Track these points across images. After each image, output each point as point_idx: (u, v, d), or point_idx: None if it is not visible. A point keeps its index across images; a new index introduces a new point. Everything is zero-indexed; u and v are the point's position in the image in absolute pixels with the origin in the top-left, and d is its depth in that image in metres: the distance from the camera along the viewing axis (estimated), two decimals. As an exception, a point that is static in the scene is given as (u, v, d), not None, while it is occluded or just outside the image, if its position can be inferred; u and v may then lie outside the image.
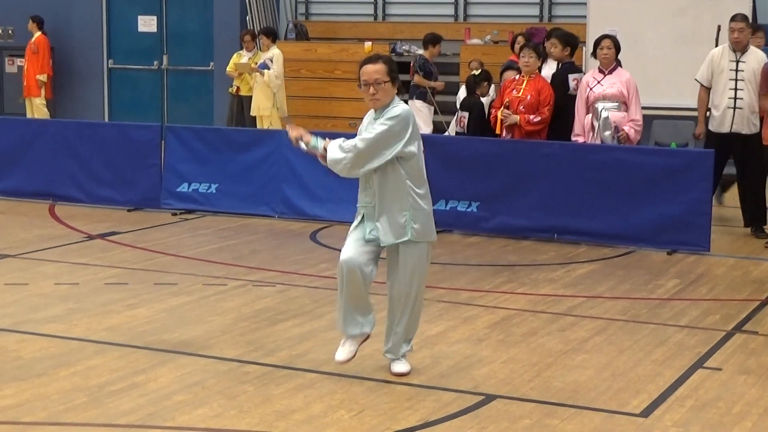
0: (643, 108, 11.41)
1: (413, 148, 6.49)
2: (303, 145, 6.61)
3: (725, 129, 11.13)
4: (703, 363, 7.15)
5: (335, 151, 6.48)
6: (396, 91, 6.58)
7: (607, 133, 10.97)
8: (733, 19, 11.19)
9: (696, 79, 11.33)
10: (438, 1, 18.69)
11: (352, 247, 6.56)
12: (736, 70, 11.05)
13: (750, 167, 11.15)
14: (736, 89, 11.03)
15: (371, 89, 6.45)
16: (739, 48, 11.09)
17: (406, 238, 6.52)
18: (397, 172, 6.50)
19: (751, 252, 10.76)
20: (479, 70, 12.12)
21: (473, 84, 11.98)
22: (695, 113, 11.68)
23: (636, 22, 16.11)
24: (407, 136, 6.44)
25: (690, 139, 12.83)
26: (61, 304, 8.38)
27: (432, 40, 14.95)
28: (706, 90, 11.22)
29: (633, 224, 10.71)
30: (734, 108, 11.05)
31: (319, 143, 6.56)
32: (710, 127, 11.30)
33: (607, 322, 8.12)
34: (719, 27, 14.00)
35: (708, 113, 11.34)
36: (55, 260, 9.99)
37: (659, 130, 12.49)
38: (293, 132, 6.65)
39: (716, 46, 11.39)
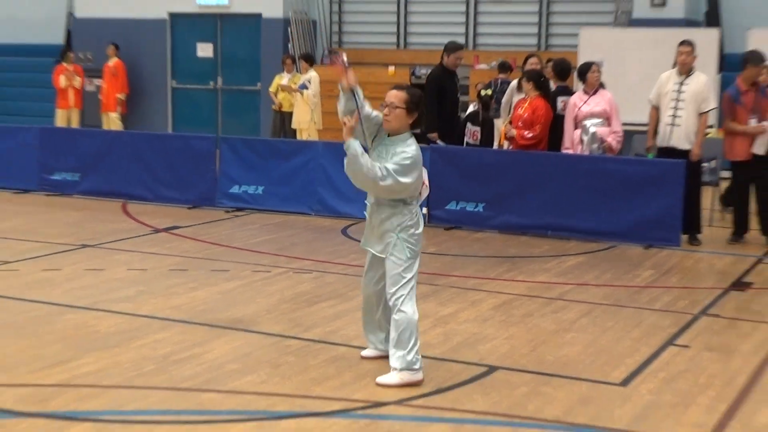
0: (625, 124, 11.31)
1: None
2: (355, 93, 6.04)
3: (665, 143, 10.77)
4: (673, 341, 7.15)
5: (366, 160, 5.91)
6: (411, 123, 6.11)
7: (595, 146, 10.96)
8: (681, 43, 10.81)
9: (649, 99, 11.08)
10: (451, 33, 18.65)
11: None
12: (678, 91, 10.69)
13: (688, 178, 10.54)
14: (676, 108, 10.67)
15: (386, 110, 6.08)
16: (684, 70, 10.73)
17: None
18: None
19: (715, 248, 10.72)
20: (489, 89, 12.06)
21: (488, 101, 11.98)
22: None
23: (620, 50, 16.11)
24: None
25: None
26: (131, 287, 8.44)
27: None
28: (656, 109, 10.85)
29: (615, 223, 10.71)
30: (672, 125, 10.69)
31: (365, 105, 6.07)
32: (657, 142, 10.89)
33: (593, 306, 8.12)
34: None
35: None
36: (127, 250, 10.06)
37: (639, 143, 12.44)
38: (351, 78, 6.02)
39: (673, 68, 11.11)
